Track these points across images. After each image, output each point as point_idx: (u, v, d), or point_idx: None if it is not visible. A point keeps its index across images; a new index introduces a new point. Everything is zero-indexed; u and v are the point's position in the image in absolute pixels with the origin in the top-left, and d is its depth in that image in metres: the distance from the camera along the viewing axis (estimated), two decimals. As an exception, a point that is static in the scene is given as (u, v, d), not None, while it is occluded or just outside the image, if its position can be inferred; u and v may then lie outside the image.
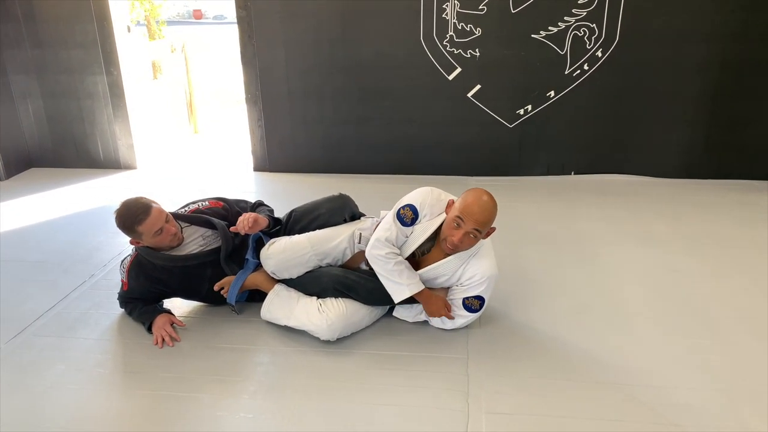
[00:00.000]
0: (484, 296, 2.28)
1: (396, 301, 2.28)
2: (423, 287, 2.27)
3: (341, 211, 2.53)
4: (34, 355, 2.27)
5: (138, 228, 2.30)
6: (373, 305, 2.37)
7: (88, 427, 1.90)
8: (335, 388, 2.05)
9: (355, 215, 2.58)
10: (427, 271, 2.31)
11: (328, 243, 2.41)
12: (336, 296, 2.33)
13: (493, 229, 2.24)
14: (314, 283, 2.37)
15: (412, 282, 2.24)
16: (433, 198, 2.30)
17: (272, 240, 2.45)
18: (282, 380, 2.11)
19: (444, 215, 2.27)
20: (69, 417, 1.94)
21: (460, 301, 2.29)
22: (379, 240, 2.25)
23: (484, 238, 2.24)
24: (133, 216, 2.29)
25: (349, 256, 2.45)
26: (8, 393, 2.05)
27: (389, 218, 2.30)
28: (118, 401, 2.02)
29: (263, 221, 2.45)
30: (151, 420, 1.92)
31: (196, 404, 1.99)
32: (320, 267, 2.43)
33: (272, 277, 2.46)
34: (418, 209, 2.27)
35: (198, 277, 2.45)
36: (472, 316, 2.32)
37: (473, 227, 2.12)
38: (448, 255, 2.27)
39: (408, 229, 2.29)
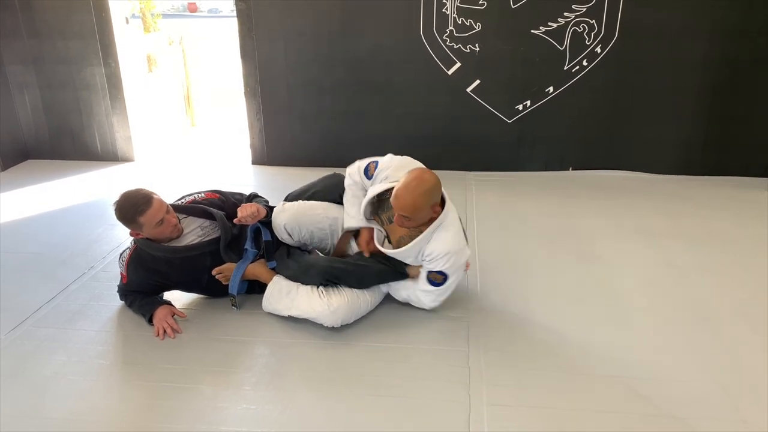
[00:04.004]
0: (445, 272, 2.27)
1: (345, 226, 2.43)
2: (367, 226, 2.39)
3: (336, 188, 2.57)
4: (34, 346, 2.26)
5: (139, 219, 2.29)
6: (364, 288, 2.38)
7: (89, 418, 1.90)
8: (336, 380, 2.06)
9: None
10: (398, 252, 2.31)
11: (338, 211, 2.49)
12: (326, 284, 2.35)
13: (439, 210, 2.22)
14: (304, 275, 2.37)
15: (358, 217, 2.38)
16: (400, 164, 2.33)
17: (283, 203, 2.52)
18: (283, 372, 2.11)
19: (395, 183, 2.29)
20: (70, 408, 1.94)
21: (425, 274, 2.31)
22: (352, 171, 2.43)
23: (434, 216, 2.21)
24: (134, 207, 2.28)
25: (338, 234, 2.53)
26: (9, 383, 2.05)
27: (362, 163, 2.42)
28: (119, 393, 2.02)
29: (263, 211, 2.47)
30: (152, 411, 1.92)
31: (197, 396, 1.99)
32: (321, 243, 2.51)
33: (271, 269, 2.48)
34: (379, 168, 2.35)
35: (198, 268, 2.44)
36: (436, 290, 2.32)
37: (400, 213, 2.15)
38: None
39: (367, 182, 2.39)
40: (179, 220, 2.46)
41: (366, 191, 2.43)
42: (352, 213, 2.41)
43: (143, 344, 2.28)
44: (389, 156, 2.40)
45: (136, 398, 1.98)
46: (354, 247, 2.52)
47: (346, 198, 2.47)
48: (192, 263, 2.44)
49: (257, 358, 2.20)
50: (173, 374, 2.10)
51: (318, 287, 2.34)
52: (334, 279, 2.32)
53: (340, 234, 2.51)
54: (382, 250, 2.36)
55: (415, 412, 1.90)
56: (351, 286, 2.34)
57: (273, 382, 2.05)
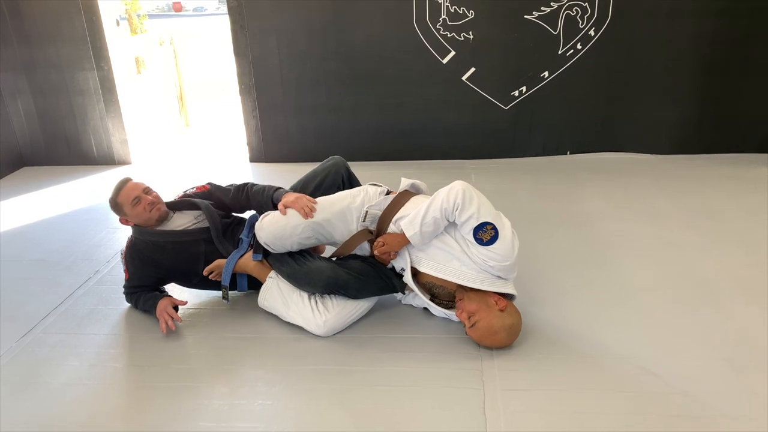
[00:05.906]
0: (483, 220, 2.06)
1: (407, 233, 2.14)
2: (407, 236, 2.16)
3: (337, 168, 2.55)
4: (46, 353, 2.27)
5: (117, 200, 2.44)
6: (359, 299, 2.33)
7: (108, 422, 1.91)
8: (350, 373, 2.07)
9: (352, 174, 2.59)
10: (428, 303, 2.29)
11: (323, 211, 2.30)
12: (327, 293, 2.31)
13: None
14: (305, 280, 2.29)
15: (419, 240, 2.15)
16: (507, 269, 2.16)
17: (266, 213, 2.41)
18: (297, 366, 2.12)
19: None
20: (88, 412, 1.94)
21: (473, 239, 2.09)
22: (452, 204, 2.08)
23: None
24: (114, 191, 2.45)
25: (352, 224, 2.32)
26: (24, 391, 2.06)
27: (479, 219, 2.07)
28: (135, 395, 2.03)
29: (312, 203, 2.33)
30: (170, 412, 1.93)
31: (213, 394, 2.00)
32: (317, 244, 2.40)
33: (263, 265, 2.41)
34: (493, 253, 2.09)
35: (192, 256, 2.45)
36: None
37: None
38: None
39: (472, 241, 2.10)
40: (172, 212, 2.53)
41: (443, 222, 2.14)
42: (424, 232, 2.13)
43: (155, 346, 2.29)
44: (512, 246, 2.11)
45: (153, 399, 1.99)
46: (366, 249, 2.36)
47: (430, 215, 2.11)
48: (185, 250, 2.45)
49: (269, 355, 2.21)
50: (187, 374, 2.11)
51: (310, 298, 2.30)
52: (336, 288, 2.26)
53: (333, 229, 2.32)
54: (414, 289, 2.26)
55: (431, 401, 1.92)
56: (349, 296, 2.29)
57: (287, 378, 2.07)
